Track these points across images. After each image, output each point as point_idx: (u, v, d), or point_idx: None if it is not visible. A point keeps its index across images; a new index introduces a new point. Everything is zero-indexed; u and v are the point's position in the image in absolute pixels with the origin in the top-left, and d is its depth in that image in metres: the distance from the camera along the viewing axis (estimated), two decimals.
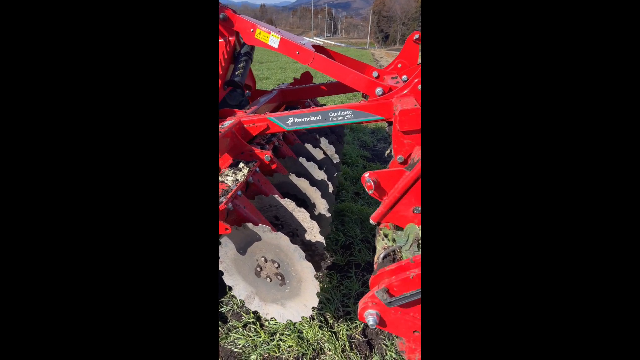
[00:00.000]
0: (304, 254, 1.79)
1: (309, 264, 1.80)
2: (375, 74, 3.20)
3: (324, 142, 3.40)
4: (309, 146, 3.11)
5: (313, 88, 3.58)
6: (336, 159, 3.37)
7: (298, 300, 2.00)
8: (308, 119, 2.37)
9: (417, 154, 1.98)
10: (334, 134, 3.81)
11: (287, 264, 1.91)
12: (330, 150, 3.40)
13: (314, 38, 75.02)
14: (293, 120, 2.39)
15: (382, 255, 1.22)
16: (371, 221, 1.45)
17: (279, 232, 1.80)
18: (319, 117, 2.35)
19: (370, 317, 1.11)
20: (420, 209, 1.45)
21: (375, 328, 1.14)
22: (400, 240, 1.29)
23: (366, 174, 1.40)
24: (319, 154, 3.09)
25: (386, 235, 1.37)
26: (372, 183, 1.37)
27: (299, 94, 3.59)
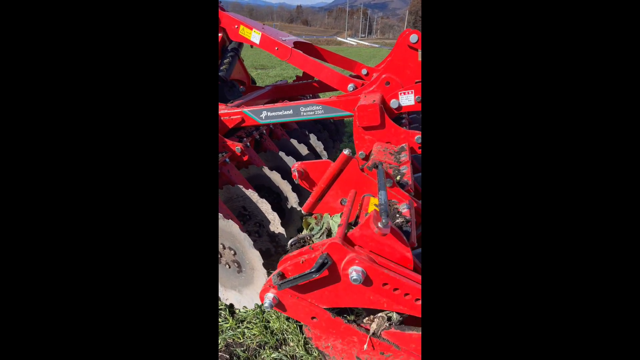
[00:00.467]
0: (253, 242, 1.85)
1: (257, 253, 1.85)
2: (364, 71, 3.19)
3: (313, 138, 3.44)
4: (294, 141, 3.16)
5: (306, 85, 3.62)
6: (325, 156, 3.39)
7: (252, 288, 2.05)
8: (280, 113, 2.42)
9: (374, 151, 1.97)
10: (327, 131, 3.84)
11: (241, 252, 1.97)
12: (319, 147, 3.43)
13: (348, 39, 74.83)
14: (266, 114, 2.45)
15: (290, 242, 1.26)
16: (302, 211, 1.48)
17: (230, 220, 1.86)
18: (291, 112, 2.40)
19: (267, 299, 1.15)
20: (346, 199, 1.46)
21: (273, 309, 1.17)
22: (315, 229, 1.32)
23: (295, 164, 1.43)
24: (303, 150, 3.13)
25: (308, 225, 1.39)
26: (297, 173, 1.40)
27: (292, 90, 3.65)
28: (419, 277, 1.06)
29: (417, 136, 1.99)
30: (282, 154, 2.81)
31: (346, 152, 1.31)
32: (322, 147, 3.45)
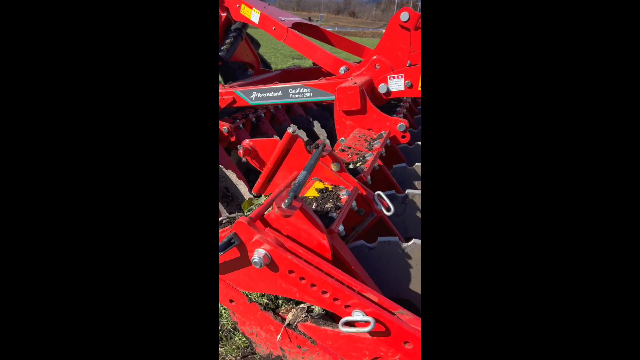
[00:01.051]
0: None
1: None
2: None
3: (316, 125, 3.35)
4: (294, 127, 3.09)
5: (318, 70, 3.52)
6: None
7: None
8: (270, 94, 2.36)
9: (350, 136, 1.86)
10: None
11: None
12: (323, 134, 3.34)
13: None
14: (257, 95, 2.39)
15: (219, 220, 1.20)
16: (252, 193, 1.41)
17: None
18: (280, 94, 2.33)
19: None
20: None
21: None
22: (251, 210, 1.25)
23: (245, 141, 1.36)
24: (302, 136, 3.06)
25: (249, 205, 1.32)
26: (243, 150, 1.34)
27: (303, 75, 3.56)
28: (333, 269, 0.96)
29: (400, 124, 1.84)
30: (276, 137, 2.75)
31: (290, 130, 1.22)
32: (326, 135, 3.35)
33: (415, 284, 1.24)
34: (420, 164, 1.81)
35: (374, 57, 2.05)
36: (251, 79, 3.10)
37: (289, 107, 3.56)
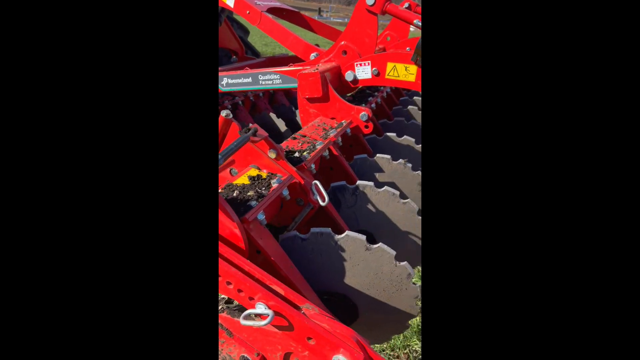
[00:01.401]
0: None
1: None
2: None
3: (299, 115, 3.28)
4: (273, 116, 3.03)
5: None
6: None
7: None
8: (240, 80, 2.30)
9: (309, 125, 1.80)
10: None
11: None
12: None
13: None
14: (227, 81, 2.34)
15: None
16: None
17: None
18: (250, 80, 2.27)
19: None
20: (236, 171, 1.33)
21: None
22: None
23: None
24: (281, 125, 3.00)
25: None
26: None
27: (287, 61, 3.48)
28: (241, 259, 0.91)
29: (362, 113, 1.78)
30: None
31: (224, 114, 1.17)
32: None
33: (350, 277, 1.19)
34: (381, 155, 1.75)
35: (342, 43, 1.98)
36: (231, 66, 3.04)
37: (272, 96, 3.49)
